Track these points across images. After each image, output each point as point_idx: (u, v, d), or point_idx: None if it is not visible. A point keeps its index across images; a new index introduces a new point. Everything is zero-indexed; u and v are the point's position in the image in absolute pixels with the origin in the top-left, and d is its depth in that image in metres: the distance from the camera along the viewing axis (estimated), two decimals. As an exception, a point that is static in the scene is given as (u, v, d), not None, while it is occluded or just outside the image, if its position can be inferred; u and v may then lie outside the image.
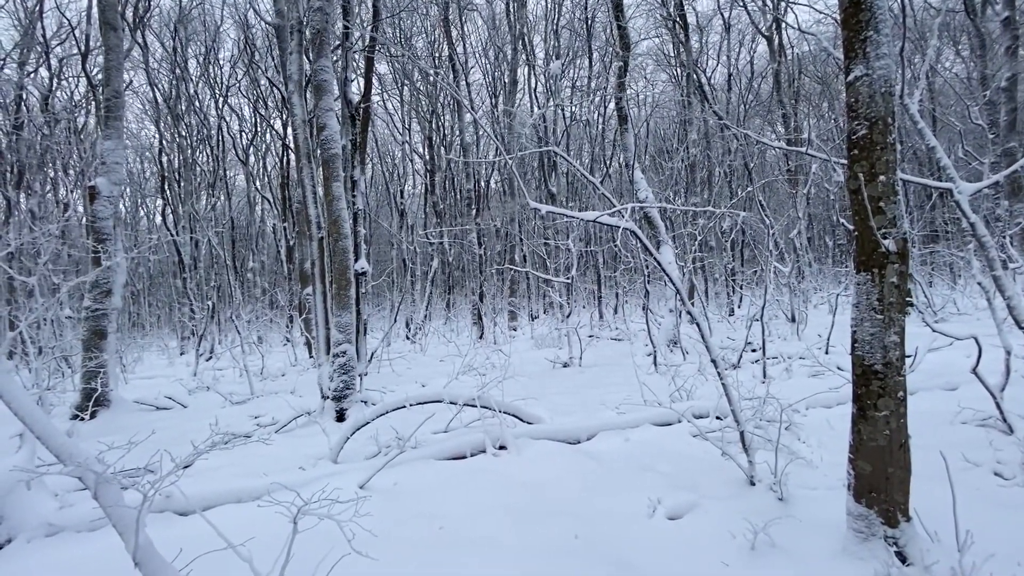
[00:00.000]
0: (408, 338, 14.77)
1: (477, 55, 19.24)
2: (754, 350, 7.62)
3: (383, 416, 4.41)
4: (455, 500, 3.17)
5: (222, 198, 21.80)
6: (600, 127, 21.41)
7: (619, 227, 2.84)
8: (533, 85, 19.17)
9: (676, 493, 3.07)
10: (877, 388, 2.02)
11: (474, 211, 14.99)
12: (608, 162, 22.24)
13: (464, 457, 3.93)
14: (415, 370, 9.34)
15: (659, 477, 3.35)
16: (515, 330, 15.88)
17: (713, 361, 3.01)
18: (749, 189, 9.93)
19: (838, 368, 6.56)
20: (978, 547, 2.08)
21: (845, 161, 2.25)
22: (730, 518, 2.67)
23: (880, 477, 2.04)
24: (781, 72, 16.49)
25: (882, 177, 2.00)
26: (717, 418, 4.43)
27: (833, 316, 7.98)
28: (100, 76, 15.90)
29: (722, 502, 2.89)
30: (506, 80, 16.97)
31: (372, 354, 7.47)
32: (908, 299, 11.39)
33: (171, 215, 20.35)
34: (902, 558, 2.01)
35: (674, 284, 3.78)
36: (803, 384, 5.76)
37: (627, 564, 2.42)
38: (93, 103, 17.23)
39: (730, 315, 14.27)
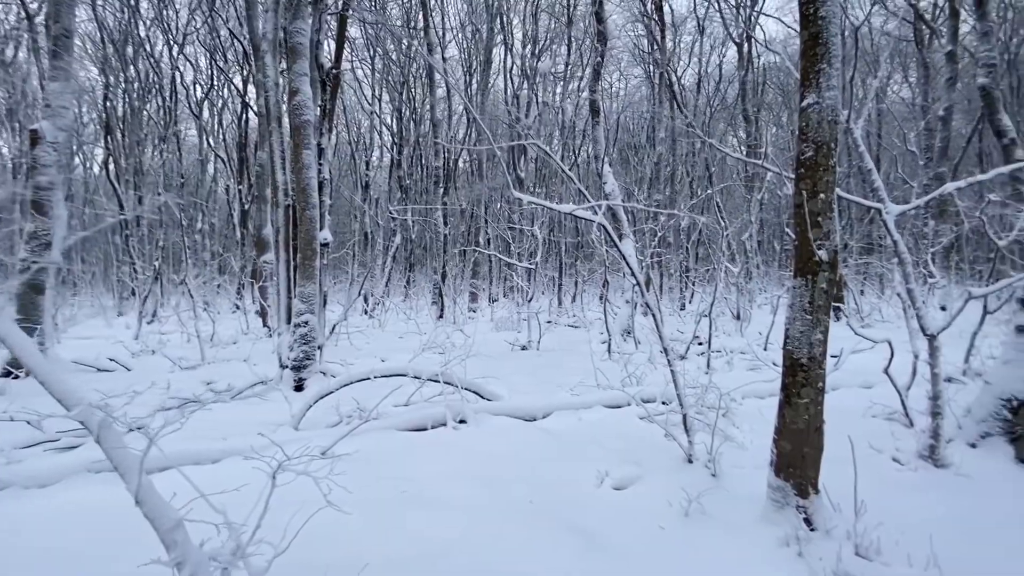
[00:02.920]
0: (366, 313, 14.66)
1: (454, 30, 18.91)
2: (700, 343, 8.11)
3: (345, 388, 4.51)
4: (417, 466, 3.34)
5: (172, 152, 20.61)
6: (572, 116, 21.59)
7: (592, 221, 3.04)
8: (509, 66, 19.08)
9: (623, 467, 3.37)
10: (802, 379, 2.33)
11: (441, 190, 14.92)
12: (577, 152, 22.52)
13: (425, 429, 4.09)
14: (374, 345, 9.36)
15: (608, 453, 3.64)
16: (475, 312, 16.05)
17: (664, 350, 3.30)
18: (709, 191, 10.40)
19: (773, 364, 7.13)
20: (870, 517, 2.46)
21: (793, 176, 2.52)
22: (669, 490, 2.98)
23: (797, 455, 2.37)
24: (748, 80, 17.16)
25: (822, 195, 2.28)
26: (663, 403, 4.78)
27: (774, 316, 8.60)
28: (37, 5, 14.57)
29: (663, 476, 3.20)
30: (481, 59, 16.82)
31: (334, 326, 7.46)
32: (838, 305, 12.33)
33: (113, 166, 19.09)
34: (809, 524, 2.36)
35: (634, 276, 4.04)
36: (742, 376, 6.23)
37: (576, 526, 2.67)
38: (27, 35, 15.79)
39: (681, 309, 14.98)
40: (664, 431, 3.57)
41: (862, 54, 17.88)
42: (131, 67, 19.12)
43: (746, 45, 16.85)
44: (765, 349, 8.34)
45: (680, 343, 8.13)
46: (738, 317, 10.64)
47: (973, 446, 3.50)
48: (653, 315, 3.40)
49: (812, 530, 2.35)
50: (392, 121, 19.99)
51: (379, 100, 19.72)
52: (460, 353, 5.44)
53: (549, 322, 12.87)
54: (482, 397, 4.68)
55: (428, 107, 15.90)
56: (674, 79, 15.77)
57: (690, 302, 16.04)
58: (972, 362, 6.06)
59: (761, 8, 17.41)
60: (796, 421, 2.36)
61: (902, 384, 4.29)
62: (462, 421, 4.17)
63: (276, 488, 2.34)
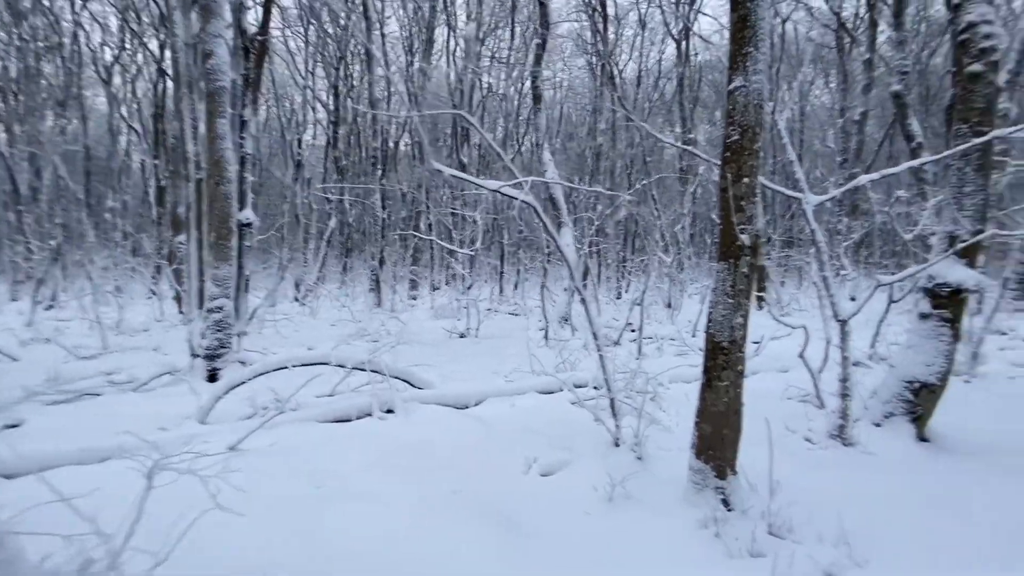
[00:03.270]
0: (297, 300, 13.94)
1: (395, 6, 18.15)
2: (633, 330, 8.29)
3: (263, 377, 4.18)
4: (335, 459, 3.13)
5: (75, 121, 18.53)
6: (516, 103, 21.44)
7: (520, 200, 2.93)
8: (452, 48, 18.59)
9: (552, 453, 3.32)
10: (722, 361, 2.35)
11: (379, 171, 14.34)
12: (521, 140, 22.41)
13: (349, 420, 3.87)
14: (303, 333, 8.88)
15: (539, 439, 3.58)
16: (415, 299, 15.67)
17: (594, 334, 3.26)
18: (645, 182, 10.61)
19: (700, 349, 7.39)
20: (784, 495, 2.53)
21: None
22: (595, 475, 2.95)
23: (717, 437, 2.39)
24: (685, 76, 17.67)
25: (746, 179, 2.28)
26: (595, 388, 4.80)
27: (703, 305, 8.94)
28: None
29: (591, 461, 3.18)
30: (423, 38, 16.26)
31: (253, 312, 6.96)
32: (761, 295, 13.04)
33: (5, 134, 16.92)
34: (727, 505, 2.39)
35: (568, 262, 3.99)
36: (671, 361, 6.40)
37: (502, 515, 2.58)
38: None
39: (617, 298, 15.34)
40: (593, 415, 3.55)
41: (787, 57, 18.90)
42: (24, 21, 16.92)
43: (684, 42, 17.32)
44: (693, 336, 8.66)
45: (614, 330, 8.27)
46: (669, 306, 10.99)
47: (878, 425, 3.73)
48: (583, 301, 3.35)
49: (730, 510, 2.38)
50: (328, 98, 18.99)
51: (312, 75, 18.63)
52: (391, 340, 5.21)
53: (490, 310, 12.78)
54: (412, 385, 4.50)
55: (367, 85, 15.20)
56: (615, 72, 15.97)
57: (626, 291, 16.47)
58: (878, 347, 6.55)
59: (699, 6, 17.95)
60: (716, 404, 2.37)
61: (815, 368, 4.53)
62: (389, 411, 3.98)
63: (173, 491, 2.07)
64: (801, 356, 4.44)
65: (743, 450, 2.67)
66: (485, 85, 19.71)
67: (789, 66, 18.92)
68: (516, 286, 16.80)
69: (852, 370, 3.46)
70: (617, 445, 3.40)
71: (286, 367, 4.00)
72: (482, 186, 2.94)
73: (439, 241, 10.71)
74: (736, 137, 2.29)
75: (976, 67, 3.40)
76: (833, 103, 20.31)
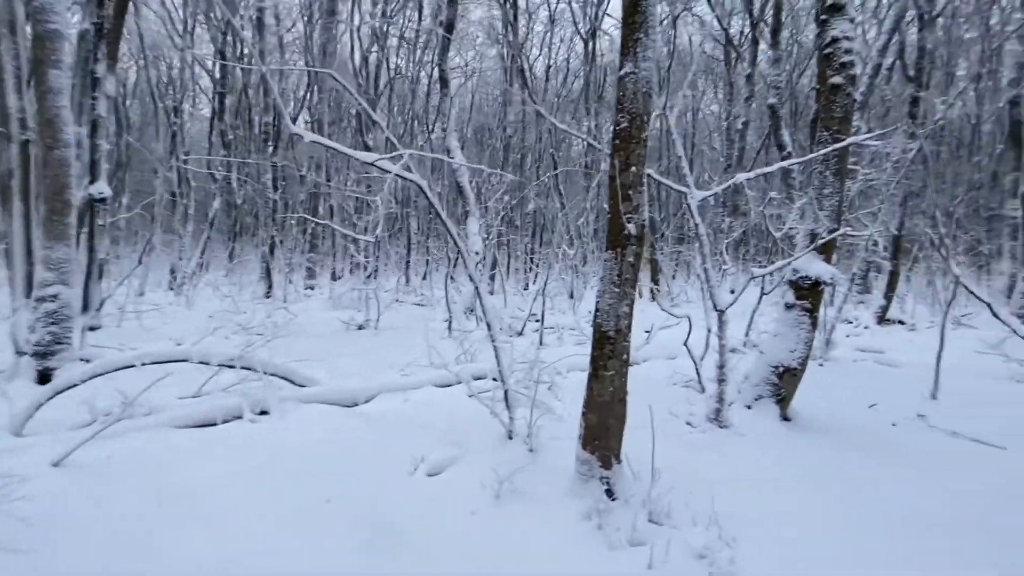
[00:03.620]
0: (172, 289, 12.42)
1: (292, -30, 16.68)
2: (537, 320, 8.37)
3: (112, 378, 3.55)
4: (188, 471, 2.71)
5: None
6: (426, 88, 20.80)
7: (393, 175, 2.70)
8: (357, 24, 17.51)
9: (443, 450, 3.15)
10: (608, 351, 2.33)
11: (271, 148, 13.15)
12: (431, 127, 21.81)
13: (214, 424, 3.40)
14: (173, 326, 7.86)
15: (430, 436, 3.40)
16: (312, 289, 14.66)
17: (488, 325, 3.13)
18: (551, 175, 10.73)
19: (600, 340, 7.65)
20: (665, 480, 2.59)
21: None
22: (485, 471, 2.84)
23: (603, 427, 2.37)
24: (591, 75, 18.21)
25: (634, 168, 2.26)
26: (493, 379, 4.72)
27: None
28: None
29: (482, 455, 3.06)
30: (324, 9, 15.13)
31: (103, 301, 6.00)
32: (654, 286, 13.84)
33: None
34: (611, 495, 2.39)
35: (460, 250, 3.82)
36: (570, 351, 6.49)
37: (381, 522, 2.37)
38: None
39: (525, 289, 15.52)
40: (488, 408, 3.44)
41: (681, 65, 20.21)
42: None
43: (591, 42, 17.83)
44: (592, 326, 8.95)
45: (518, 320, 8.29)
46: (572, 296, 11.28)
47: (749, 407, 4.03)
48: (477, 291, 3.21)
49: (613, 499, 2.38)
50: (214, 67, 17.07)
51: (191, 35, 16.59)
52: (271, 333, 4.72)
53: (396, 300, 12.30)
54: (293, 383, 4.09)
55: (258, 52, 13.80)
56: (525, 65, 16.04)
57: (533, 283, 16.74)
58: (751, 335, 7.17)
59: (607, 7, 18.56)
60: (602, 393, 2.35)
61: (698, 355, 4.82)
62: (263, 412, 3.57)
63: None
64: (685, 344, 4.69)
65: (630, 436, 2.70)
66: (393, 66, 18.87)
67: (682, 71, 20.27)
68: (425, 276, 16.37)
69: (729, 357, 3.67)
70: (510, 438, 3.32)
71: (134, 365, 3.42)
72: (354, 156, 2.66)
73: (335, 226, 10.05)
74: (625, 125, 2.26)
75: (837, 79, 3.75)
76: (720, 112, 22.15)
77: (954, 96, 12.18)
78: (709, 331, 4.83)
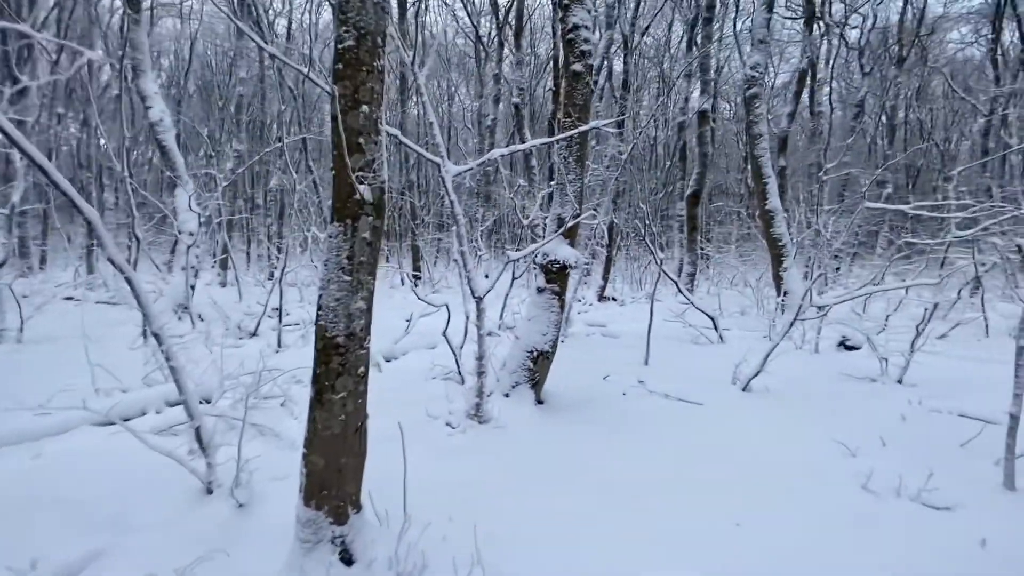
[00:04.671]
0: None
1: None
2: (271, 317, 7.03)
3: None
4: None
5: None
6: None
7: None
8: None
9: (81, 540, 2.00)
10: (338, 365, 1.66)
11: None
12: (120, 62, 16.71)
13: None
14: None
15: (64, 515, 2.16)
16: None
17: (156, 336, 2.09)
18: (294, 138, 9.24)
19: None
20: (419, 513, 2.08)
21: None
22: (157, 557, 1.86)
23: (333, 471, 1.70)
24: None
25: (365, 108, 1.63)
26: (205, 401, 3.52)
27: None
28: None
29: (154, 533, 2.04)
30: None
31: None
32: (417, 274, 13.57)
33: None
34: (347, 559, 1.75)
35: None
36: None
37: None
38: None
39: (269, 279, 13.33)
40: (166, 454, 2.37)
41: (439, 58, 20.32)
42: None
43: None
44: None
45: (252, 317, 6.81)
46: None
47: (507, 395, 3.88)
48: (129, 281, 2.11)
49: (351, 565, 1.75)
50: None
51: None
52: None
53: (70, 299, 8.91)
54: None
55: None
56: (260, 11, 13.53)
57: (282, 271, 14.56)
58: (506, 318, 7.38)
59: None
60: (330, 424, 1.68)
61: (457, 344, 4.53)
62: None
63: None
64: (444, 335, 4.33)
65: (381, 451, 2.12)
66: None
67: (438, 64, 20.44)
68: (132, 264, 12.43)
69: (488, 347, 3.41)
70: (210, 491, 2.35)
71: None
72: None
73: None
74: (351, 43, 1.60)
75: (578, 67, 3.81)
76: (473, 109, 23.18)
77: (645, 122, 15.06)
78: (467, 318, 4.57)
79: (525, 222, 6.75)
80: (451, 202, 3.03)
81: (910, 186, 18.47)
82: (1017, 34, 14.84)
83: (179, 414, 3.35)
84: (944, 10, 18.26)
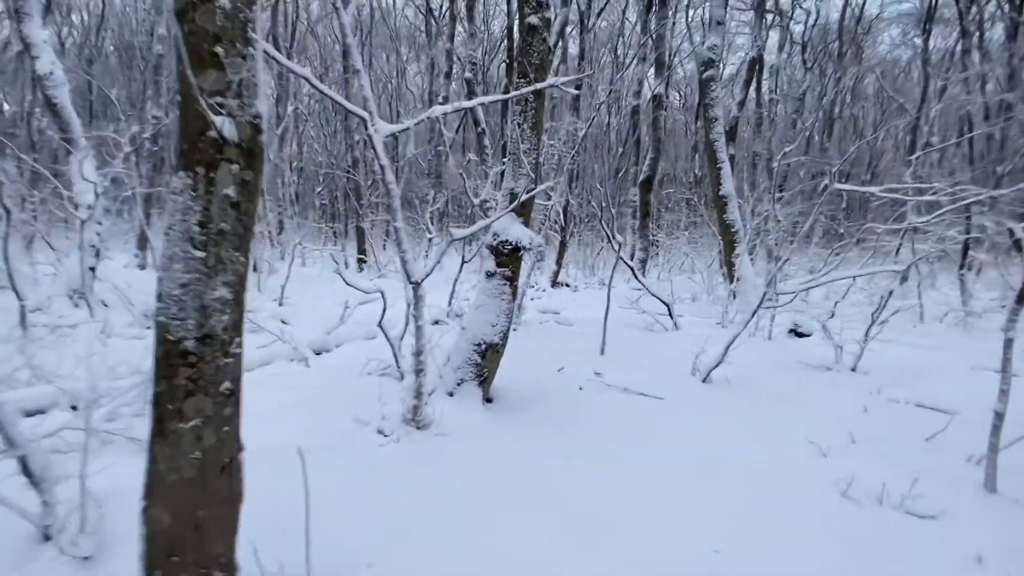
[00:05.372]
0: None
1: None
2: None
3: None
4: None
5: None
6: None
7: None
8: None
9: None
10: (186, 381, 1.14)
11: None
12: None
13: None
14: None
15: None
16: None
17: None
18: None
19: (282, 321, 6.13)
20: (330, 565, 1.60)
21: None
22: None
23: (186, 528, 1.19)
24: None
25: (226, 1, 1.09)
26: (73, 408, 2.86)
27: (289, 268, 7.65)
28: None
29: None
30: None
31: None
32: (362, 257, 12.77)
33: None
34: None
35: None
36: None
37: None
38: None
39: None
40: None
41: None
42: None
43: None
44: (281, 304, 7.33)
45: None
46: (255, 269, 9.16)
47: (451, 394, 3.43)
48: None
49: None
50: None
51: None
52: None
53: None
54: None
55: None
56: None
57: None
58: (455, 305, 6.90)
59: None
60: (179, 466, 1.16)
61: (396, 335, 4.02)
62: None
63: None
64: (380, 325, 3.81)
65: (287, 474, 1.63)
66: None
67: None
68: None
69: (427, 342, 2.93)
70: (48, 538, 1.76)
71: None
72: None
73: None
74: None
75: (534, 19, 3.33)
76: (423, 86, 22.16)
77: (596, 106, 14.77)
78: (408, 306, 4.06)
79: (476, 201, 6.25)
80: (381, 167, 2.50)
81: (843, 180, 19.32)
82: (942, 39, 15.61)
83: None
84: (879, 11, 19.06)
